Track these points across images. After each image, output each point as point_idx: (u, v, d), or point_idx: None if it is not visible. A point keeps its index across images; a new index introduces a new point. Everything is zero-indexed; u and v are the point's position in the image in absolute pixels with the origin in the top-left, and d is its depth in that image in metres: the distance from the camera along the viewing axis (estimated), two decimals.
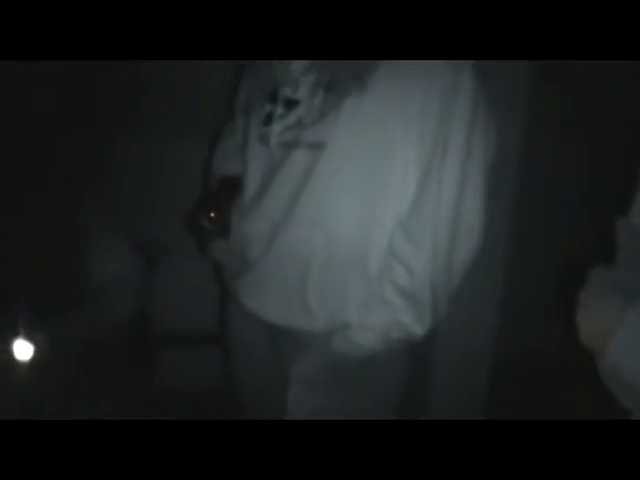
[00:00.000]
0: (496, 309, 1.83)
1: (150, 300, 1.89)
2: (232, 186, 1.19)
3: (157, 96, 1.90)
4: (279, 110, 1.10)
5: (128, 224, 1.86)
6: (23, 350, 1.45)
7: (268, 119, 1.11)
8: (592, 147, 1.86)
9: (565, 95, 1.81)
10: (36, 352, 1.37)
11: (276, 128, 1.10)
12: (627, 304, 0.59)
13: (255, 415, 1.37)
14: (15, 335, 1.46)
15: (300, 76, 1.09)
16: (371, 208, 1.06)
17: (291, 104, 1.09)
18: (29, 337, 1.46)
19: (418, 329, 1.07)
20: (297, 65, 1.09)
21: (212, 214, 1.17)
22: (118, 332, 1.81)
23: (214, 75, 1.66)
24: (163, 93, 1.88)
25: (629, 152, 0.71)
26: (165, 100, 1.92)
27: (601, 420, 0.66)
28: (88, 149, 1.85)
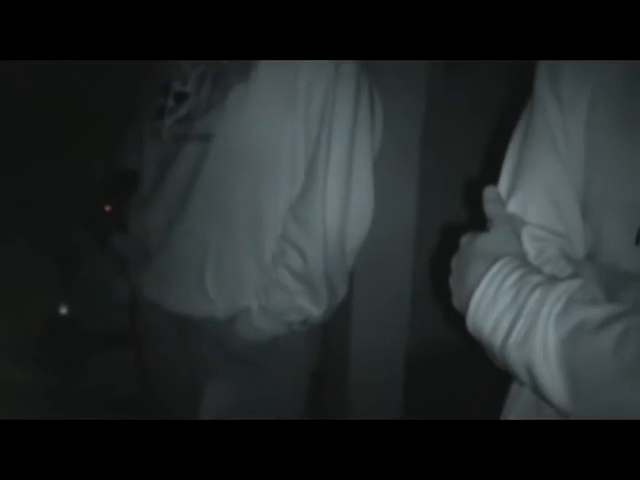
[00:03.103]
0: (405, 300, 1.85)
1: (70, 302, 1.87)
2: (127, 180, 1.20)
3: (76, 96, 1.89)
4: (170, 104, 1.12)
5: (43, 225, 1.84)
6: None
7: (160, 113, 1.13)
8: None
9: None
10: None
11: (167, 122, 1.11)
12: (487, 268, 0.63)
13: (172, 410, 1.38)
14: None
15: (190, 69, 1.11)
16: (262, 195, 1.09)
17: (181, 97, 1.11)
18: None
19: (315, 311, 1.11)
20: None
21: (107, 208, 1.18)
22: (40, 336, 1.79)
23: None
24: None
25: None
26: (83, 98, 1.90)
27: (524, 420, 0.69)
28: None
